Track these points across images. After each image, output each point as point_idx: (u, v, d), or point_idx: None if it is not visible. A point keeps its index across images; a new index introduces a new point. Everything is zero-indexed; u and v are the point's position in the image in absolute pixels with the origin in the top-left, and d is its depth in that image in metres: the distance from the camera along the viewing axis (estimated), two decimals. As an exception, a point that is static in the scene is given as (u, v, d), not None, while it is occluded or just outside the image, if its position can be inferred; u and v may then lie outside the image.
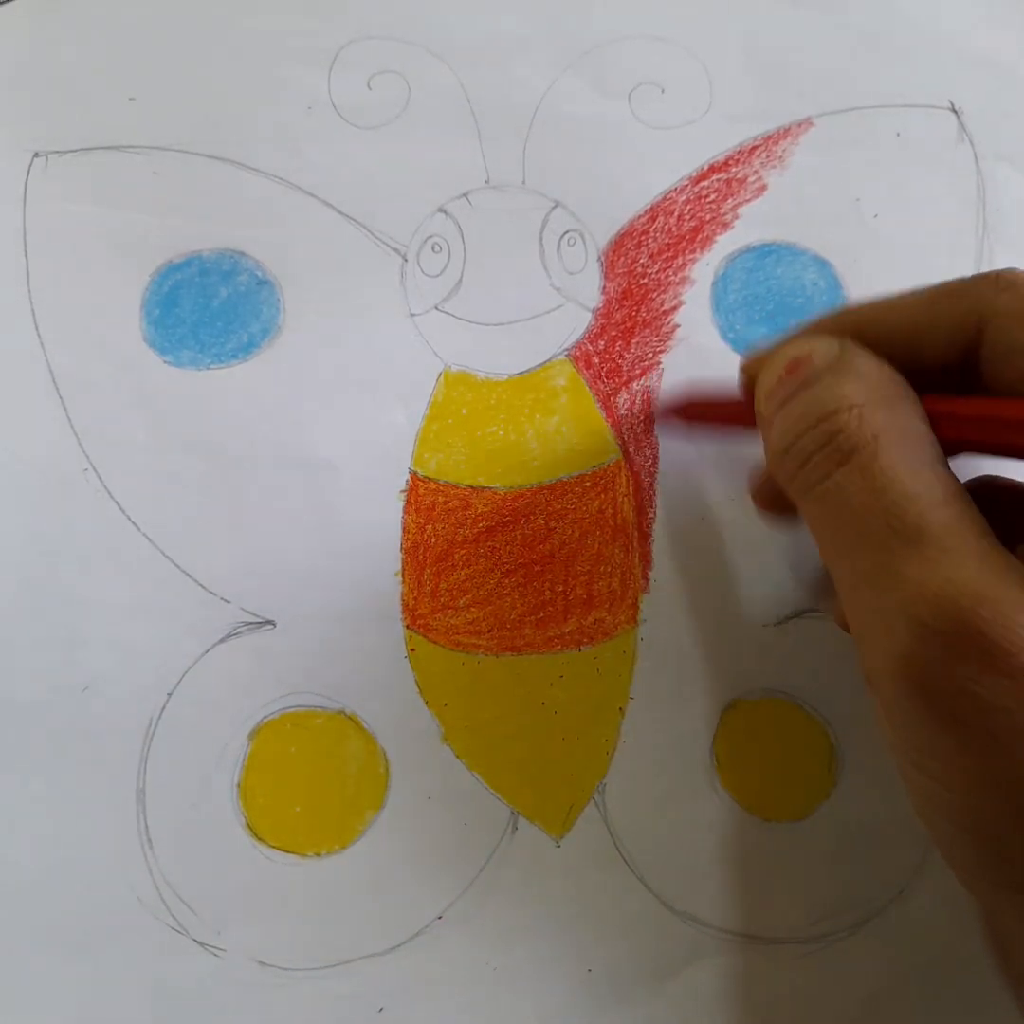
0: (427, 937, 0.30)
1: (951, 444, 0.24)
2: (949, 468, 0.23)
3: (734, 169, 0.33)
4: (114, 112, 0.32)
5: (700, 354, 0.33)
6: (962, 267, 0.33)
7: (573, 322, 0.33)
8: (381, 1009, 0.30)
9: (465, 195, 0.33)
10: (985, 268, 0.33)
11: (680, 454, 0.33)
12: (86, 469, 0.31)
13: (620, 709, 0.32)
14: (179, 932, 0.30)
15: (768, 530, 0.32)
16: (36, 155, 0.32)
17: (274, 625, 0.31)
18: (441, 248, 0.33)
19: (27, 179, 0.32)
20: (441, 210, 0.33)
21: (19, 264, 0.32)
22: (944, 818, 0.22)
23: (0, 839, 0.30)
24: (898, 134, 0.34)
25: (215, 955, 0.30)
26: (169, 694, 0.31)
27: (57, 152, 0.32)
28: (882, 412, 0.23)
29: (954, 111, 0.34)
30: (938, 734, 0.21)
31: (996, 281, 0.25)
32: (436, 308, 0.33)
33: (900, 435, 0.23)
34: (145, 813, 0.30)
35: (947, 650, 0.21)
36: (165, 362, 0.32)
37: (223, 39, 0.33)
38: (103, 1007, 0.30)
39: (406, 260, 0.33)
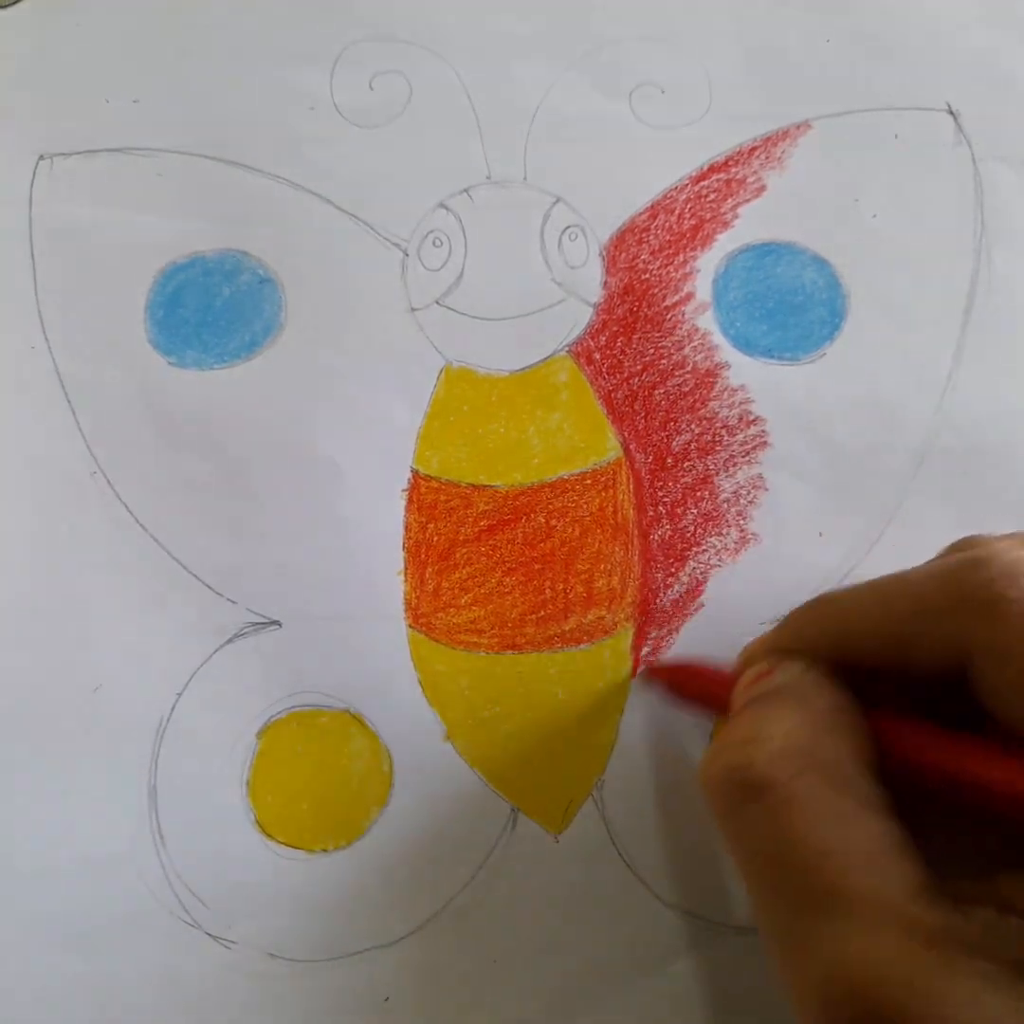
0: (430, 930, 0.31)
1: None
2: (889, 814, 0.21)
3: (734, 169, 0.33)
4: (118, 114, 0.33)
5: (700, 351, 0.33)
6: (961, 267, 0.33)
7: (575, 317, 0.33)
8: (387, 999, 0.31)
9: (466, 191, 0.33)
10: (983, 269, 0.33)
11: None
12: (94, 472, 0.32)
13: (619, 707, 0.32)
14: (191, 925, 0.31)
15: (765, 527, 0.33)
16: (41, 157, 0.32)
17: (280, 625, 0.32)
18: (442, 242, 0.33)
19: (32, 181, 0.32)
20: (442, 205, 0.33)
21: (26, 266, 0.32)
22: None
23: (15, 837, 0.31)
24: (896, 136, 0.34)
25: (226, 947, 0.31)
26: (178, 694, 0.31)
27: (62, 154, 0.32)
28: (810, 749, 0.22)
29: (951, 113, 0.34)
30: None
31: (978, 603, 0.22)
32: (437, 302, 0.33)
33: (828, 777, 0.21)
34: (156, 810, 0.31)
35: None
36: (169, 363, 0.32)
37: (226, 41, 0.33)
38: (116, 999, 0.30)
39: (407, 255, 0.33)
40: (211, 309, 0.32)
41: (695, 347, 0.33)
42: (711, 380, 0.33)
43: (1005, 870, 0.21)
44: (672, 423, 0.33)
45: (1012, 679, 0.22)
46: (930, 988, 0.18)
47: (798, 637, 0.26)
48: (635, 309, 0.33)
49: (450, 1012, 0.31)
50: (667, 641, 0.32)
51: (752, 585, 0.33)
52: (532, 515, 0.33)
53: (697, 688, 0.30)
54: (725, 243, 0.33)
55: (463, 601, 0.32)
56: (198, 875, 0.31)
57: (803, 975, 0.20)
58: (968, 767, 0.22)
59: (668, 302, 0.33)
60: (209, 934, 0.31)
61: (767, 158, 0.33)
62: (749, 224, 0.33)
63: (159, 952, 0.30)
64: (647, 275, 0.33)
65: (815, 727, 0.22)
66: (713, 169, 0.33)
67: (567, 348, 0.33)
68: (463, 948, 0.31)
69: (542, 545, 0.32)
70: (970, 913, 0.19)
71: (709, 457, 0.33)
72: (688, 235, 0.33)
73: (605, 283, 0.33)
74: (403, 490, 0.32)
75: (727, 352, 0.33)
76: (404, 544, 0.32)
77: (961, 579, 0.23)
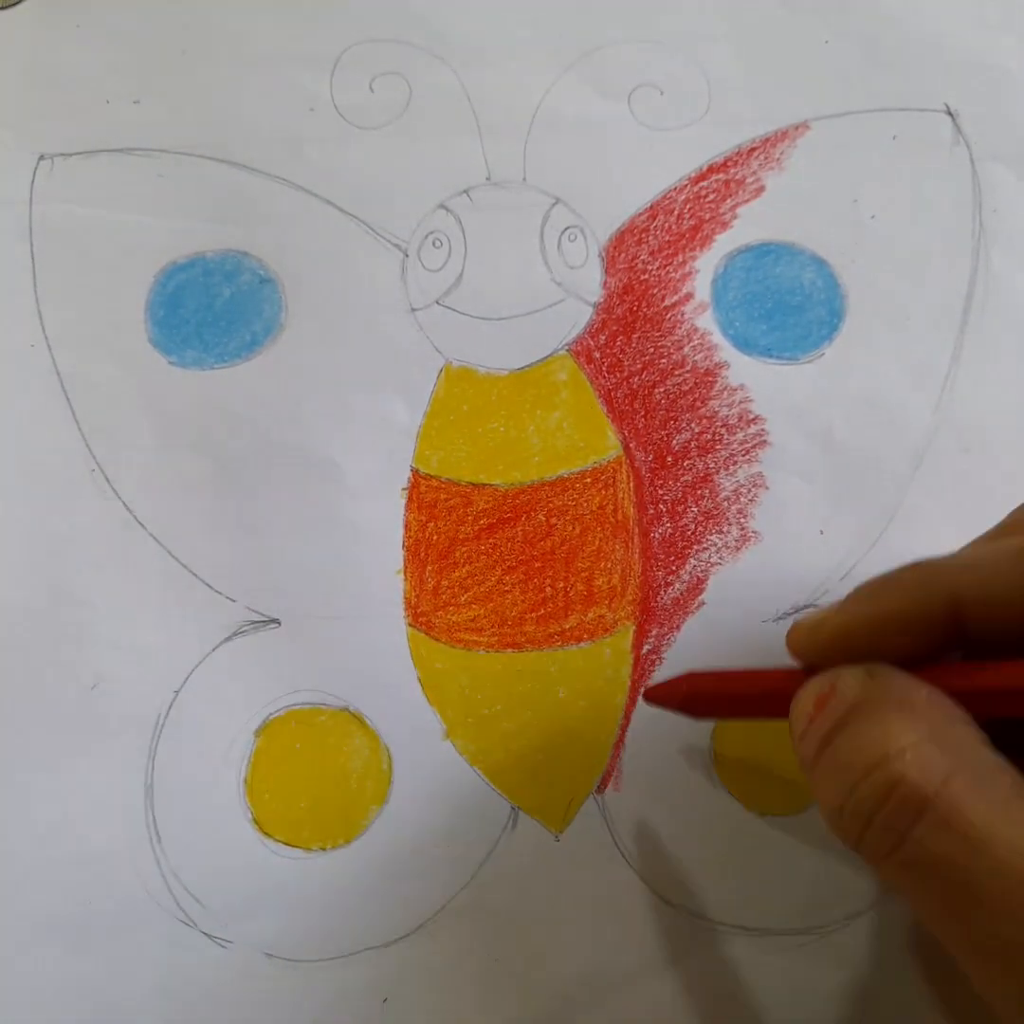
0: (430, 929, 0.31)
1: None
2: None
3: (733, 170, 0.33)
4: (119, 115, 0.33)
5: (700, 350, 0.33)
6: (959, 267, 0.34)
7: (574, 317, 0.33)
8: (385, 999, 0.31)
9: (466, 191, 0.33)
10: (982, 269, 0.33)
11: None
12: (93, 470, 0.32)
13: (620, 705, 0.32)
14: (187, 924, 0.31)
15: (766, 525, 0.33)
16: (42, 158, 0.33)
17: (279, 623, 0.32)
18: (442, 243, 0.33)
19: (33, 181, 0.33)
20: (442, 206, 0.33)
21: (26, 266, 0.32)
22: None
23: (12, 834, 0.30)
24: (894, 137, 0.34)
25: (222, 947, 0.31)
26: (176, 692, 0.31)
27: (63, 155, 0.33)
28: (943, 746, 0.21)
29: (949, 114, 0.34)
30: None
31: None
32: (437, 302, 0.33)
33: (973, 772, 0.20)
34: (153, 808, 0.31)
35: None
36: (170, 363, 0.32)
37: (226, 42, 0.33)
38: (112, 998, 0.30)
39: (407, 255, 0.33)
40: (211, 309, 0.33)
41: (695, 346, 0.33)
42: (711, 379, 0.33)
43: None
44: (672, 422, 0.33)
45: None
46: None
47: (901, 607, 0.24)
48: (635, 309, 0.33)
49: (450, 1012, 0.31)
50: (668, 639, 0.32)
51: (753, 583, 0.33)
52: (532, 513, 0.33)
53: (719, 693, 0.29)
54: (724, 243, 0.34)
55: (463, 599, 0.32)
56: (195, 874, 0.31)
57: None
58: None
59: (668, 302, 0.33)
60: (205, 933, 0.31)
61: (766, 159, 0.34)
62: (748, 224, 0.34)
63: (155, 951, 0.30)
64: (646, 275, 0.33)
65: (932, 725, 0.21)
66: (712, 170, 0.34)
67: (567, 347, 0.33)
68: (463, 947, 0.31)
69: (542, 543, 0.32)
70: None
71: (709, 456, 0.33)
72: (687, 235, 0.33)
73: (605, 283, 0.33)
74: (403, 489, 0.32)
75: (726, 352, 0.33)
76: (404, 543, 0.32)
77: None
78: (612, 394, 0.33)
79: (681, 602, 0.32)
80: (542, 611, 0.32)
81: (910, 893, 0.21)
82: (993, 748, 0.21)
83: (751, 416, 0.33)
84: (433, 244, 0.33)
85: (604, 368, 0.33)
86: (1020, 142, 0.34)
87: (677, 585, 0.32)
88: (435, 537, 0.32)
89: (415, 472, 0.32)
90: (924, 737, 0.21)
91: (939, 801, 0.20)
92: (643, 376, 0.33)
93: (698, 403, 0.33)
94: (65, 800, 0.31)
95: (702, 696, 0.28)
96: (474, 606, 0.32)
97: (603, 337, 0.33)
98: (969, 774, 0.20)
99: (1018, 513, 0.27)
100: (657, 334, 0.33)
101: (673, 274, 0.33)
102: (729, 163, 0.34)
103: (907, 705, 0.22)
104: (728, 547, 0.33)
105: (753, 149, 0.34)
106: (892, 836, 0.21)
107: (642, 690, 0.31)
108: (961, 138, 0.34)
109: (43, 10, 0.33)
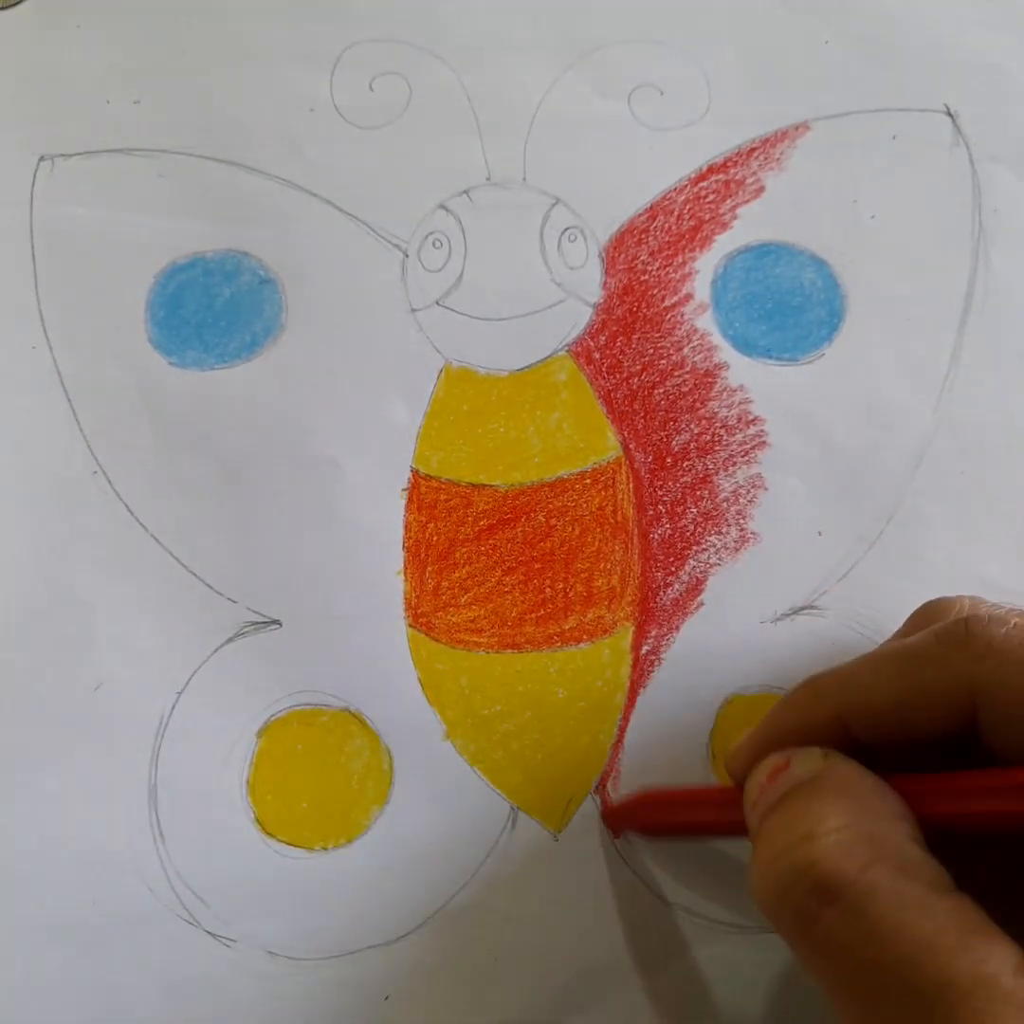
0: (430, 928, 0.31)
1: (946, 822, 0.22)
2: (958, 891, 0.20)
3: (732, 171, 0.33)
4: (119, 115, 0.33)
5: (700, 351, 0.33)
6: (959, 267, 0.34)
7: (574, 317, 0.33)
8: (387, 997, 0.31)
9: (466, 192, 0.33)
10: (981, 270, 0.33)
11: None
12: (95, 471, 0.32)
13: (619, 705, 0.32)
14: (191, 923, 0.31)
15: (764, 526, 0.33)
16: (42, 158, 0.33)
17: (280, 625, 0.32)
18: (442, 243, 0.33)
19: (33, 182, 0.33)
20: (442, 206, 0.33)
21: (27, 267, 0.32)
22: None
23: (16, 835, 0.31)
24: (894, 137, 0.34)
25: (226, 946, 0.31)
26: (179, 693, 0.31)
27: (63, 155, 0.33)
28: (871, 836, 0.21)
29: (949, 114, 0.34)
30: None
31: (969, 646, 0.23)
32: (437, 303, 0.33)
33: (894, 865, 0.20)
34: (156, 808, 0.31)
35: None
36: (170, 364, 0.32)
37: (226, 42, 0.33)
38: (117, 997, 0.30)
39: (407, 256, 0.33)
40: (212, 309, 0.33)
41: (694, 347, 0.33)
42: (710, 380, 0.33)
43: None
44: (672, 423, 0.33)
45: None
46: None
47: (798, 723, 0.25)
48: (634, 309, 0.33)
49: (450, 1011, 0.31)
50: (667, 640, 0.32)
51: (752, 584, 0.33)
52: (532, 514, 0.33)
53: (673, 815, 0.30)
54: (724, 244, 0.34)
55: (463, 600, 0.32)
56: (198, 874, 0.31)
57: None
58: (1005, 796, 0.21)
59: (667, 303, 0.33)
60: (209, 932, 0.31)
61: (766, 159, 0.33)
62: (748, 225, 0.34)
63: (159, 950, 0.30)
64: (646, 276, 0.33)
65: (866, 813, 0.21)
66: (712, 170, 0.33)
67: (567, 348, 0.33)
68: (463, 946, 0.31)
69: (542, 544, 0.33)
70: None
71: (708, 456, 0.33)
72: (687, 236, 0.33)
73: (604, 284, 0.33)
74: (403, 490, 0.33)
75: (726, 352, 0.33)
76: (404, 543, 0.32)
77: (954, 629, 0.23)
78: (612, 395, 0.33)
79: (680, 603, 0.33)
80: (541, 612, 0.32)
81: (815, 974, 0.21)
82: (923, 846, 0.21)
83: (750, 417, 0.33)
84: (433, 244, 0.33)
85: (604, 369, 0.33)
86: (1020, 142, 0.34)
87: (676, 586, 0.33)
88: (435, 538, 0.32)
89: (415, 473, 0.33)
90: (853, 824, 0.21)
91: (853, 889, 0.20)
92: (643, 377, 0.33)
93: (697, 404, 0.33)
94: (69, 801, 0.31)
95: (658, 804, 0.30)
96: (474, 607, 0.32)
97: (603, 338, 0.33)
98: (889, 866, 0.20)
99: (915, 618, 0.28)
100: (657, 335, 0.33)
101: (673, 275, 0.33)
102: (729, 163, 0.33)
103: (847, 792, 0.22)
104: (727, 548, 0.33)
105: (753, 149, 0.34)
106: (803, 916, 0.21)
107: (600, 815, 0.32)
108: (961, 138, 0.34)
109: (43, 10, 0.33)
